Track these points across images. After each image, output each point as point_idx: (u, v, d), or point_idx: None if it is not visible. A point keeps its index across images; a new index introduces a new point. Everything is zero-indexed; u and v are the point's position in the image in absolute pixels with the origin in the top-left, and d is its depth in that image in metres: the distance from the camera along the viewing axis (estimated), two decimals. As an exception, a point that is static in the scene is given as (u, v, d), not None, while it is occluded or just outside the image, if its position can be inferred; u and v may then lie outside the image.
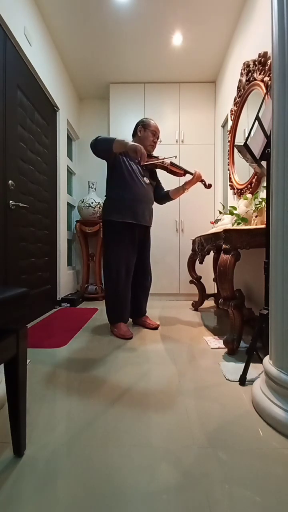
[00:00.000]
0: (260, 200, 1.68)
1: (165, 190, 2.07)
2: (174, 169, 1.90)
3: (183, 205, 3.09)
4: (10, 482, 0.66)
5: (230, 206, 1.93)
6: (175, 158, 1.92)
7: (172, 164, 1.89)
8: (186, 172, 1.93)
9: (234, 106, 2.37)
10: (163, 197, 2.05)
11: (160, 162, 1.86)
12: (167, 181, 2.20)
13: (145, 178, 1.87)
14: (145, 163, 1.79)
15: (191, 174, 1.92)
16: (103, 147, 1.66)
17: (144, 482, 0.66)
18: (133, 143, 1.56)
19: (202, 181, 1.93)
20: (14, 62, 1.88)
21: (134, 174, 1.80)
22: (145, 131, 1.87)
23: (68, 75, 3.02)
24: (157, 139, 1.92)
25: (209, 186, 1.94)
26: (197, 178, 1.89)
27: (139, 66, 2.88)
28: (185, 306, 2.75)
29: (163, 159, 1.89)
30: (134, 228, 1.81)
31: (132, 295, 1.97)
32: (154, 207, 1.97)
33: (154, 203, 2.03)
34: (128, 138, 1.70)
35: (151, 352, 1.52)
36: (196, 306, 2.59)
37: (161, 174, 2.05)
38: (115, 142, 1.60)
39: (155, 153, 1.96)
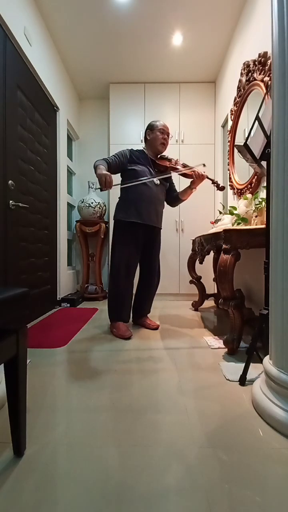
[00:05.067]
0: (260, 200, 1.68)
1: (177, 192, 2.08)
2: (186, 172, 1.90)
3: (183, 205, 3.04)
4: (10, 482, 0.66)
5: (230, 206, 1.93)
6: (204, 166, 1.91)
7: (184, 166, 1.90)
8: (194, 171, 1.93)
9: (234, 106, 2.37)
10: (174, 199, 2.05)
11: (172, 164, 1.87)
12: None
13: (154, 179, 1.87)
14: (158, 164, 1.84)
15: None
16: (95, 172, 1.75)
17: (144, 482, 0.66)
18: (99, 172, 1.63)
19: (215, 183, 1.91)
20: (14, 62, 1.87)
21: (143, 175, 1.81)
22: (153, 133, 1.89)
23: (68, 75, 3.02)
24: (168, 136, 1.93)
25: (221, 189, 1.93)
26: (198, 177, 1.87)
27: (139, 66, 2.88)
28: (185, 306, 2.75)
29: (175, 161, 1.91)
30: (138, 228, 1.82)
31: (136, 294, 1.99)
32: None
33: (167, 205, 2.07)
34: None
35: (151, 352, 1.52)
36: (196, 306, 2.59)
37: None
38: (96, 169, 1.70)
39: (169, 155, 1.97)
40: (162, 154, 1.96)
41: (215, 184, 1.92)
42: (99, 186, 1.63)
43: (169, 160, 1.92)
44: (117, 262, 1.81)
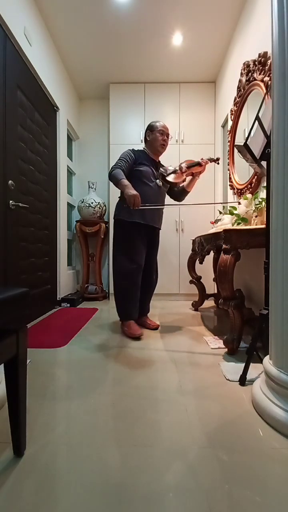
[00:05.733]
0: (260, 200, 1.68)
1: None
2: (197, 170, 1.92)
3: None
4: (10, 482, 0.66)
5: (230, 206, 1.93)
6: (217, 163, 2.01)
7: (189, 166, 1.91)
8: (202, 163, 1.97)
9: (234, 106, 2.37)
10: (180, 193, 2.06)
11: (184, 173, 1.89)
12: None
13: (157, 181, 1.88)
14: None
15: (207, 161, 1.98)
16: (115, 184, 1.75)
17: (144, 482, 0.66)
18: (130, 193, 1.62)
19: (213, 161, 1.96)
20: (14, 62, 1.87)
21: (146, 177, 1.82)
22: (152, 133, 1.90)
23: (68, 75, 3.02)
24: (167, 137, 1.94)
25: (216, 160, 2.00)
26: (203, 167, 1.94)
27: (139, 66, 2.88)
28: (185, 306, 2.75)
29: (180, 166, 1.92)
30: (141, 228, 1.83)
31: None
32: None
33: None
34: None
35: (151, 352, 1.52)
36: (196, 306, 2.59)
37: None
38: (120, 184, 1.69)
39: (168, 156, 1.99)
40: (165, 166, 1.95)
41: (214, 161, 1.98)
42: (128, 204, 1.65)
43: (175, 171, 1.91)
44: (124, 262, 1.82)
